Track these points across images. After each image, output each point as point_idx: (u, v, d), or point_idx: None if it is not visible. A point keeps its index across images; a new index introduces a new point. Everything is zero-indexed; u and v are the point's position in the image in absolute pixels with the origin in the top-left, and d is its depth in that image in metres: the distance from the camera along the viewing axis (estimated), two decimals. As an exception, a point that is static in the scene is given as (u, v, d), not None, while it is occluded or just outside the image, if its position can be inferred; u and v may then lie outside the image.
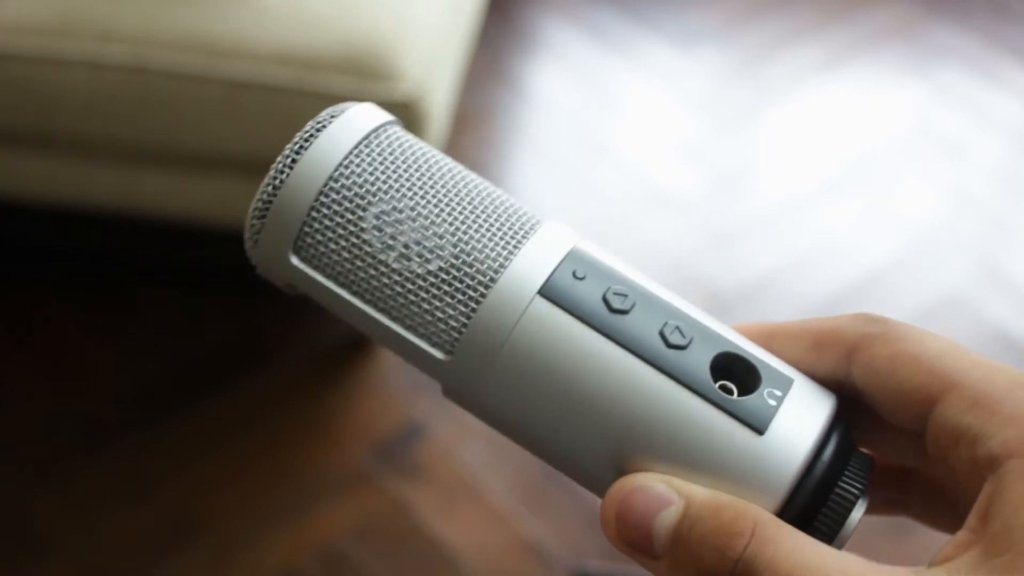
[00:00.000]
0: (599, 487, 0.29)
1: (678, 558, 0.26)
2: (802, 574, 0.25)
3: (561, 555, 1.32)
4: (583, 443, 0.29)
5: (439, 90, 1.31)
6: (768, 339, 0.31)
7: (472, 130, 1.81)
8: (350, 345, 1.50)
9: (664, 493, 0.27)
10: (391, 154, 0.31)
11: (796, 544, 0.26)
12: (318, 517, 1.34)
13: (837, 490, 0.28)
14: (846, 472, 0.28)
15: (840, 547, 0.28)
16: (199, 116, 1.25)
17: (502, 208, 0.31)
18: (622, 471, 0.28)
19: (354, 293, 0.30)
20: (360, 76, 1.21)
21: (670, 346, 0.28)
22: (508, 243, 0.30)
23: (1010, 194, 1.77)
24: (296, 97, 1.22)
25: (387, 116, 0.33)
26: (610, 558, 1.32)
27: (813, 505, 0.28)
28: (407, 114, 1.23)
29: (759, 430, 0.28)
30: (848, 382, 0.30)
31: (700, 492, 0.27)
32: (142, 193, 1.35)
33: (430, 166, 0.31)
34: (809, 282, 1.63)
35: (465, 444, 1.41)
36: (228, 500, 1.36)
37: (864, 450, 0.30)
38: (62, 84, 1.24)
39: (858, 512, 0.28)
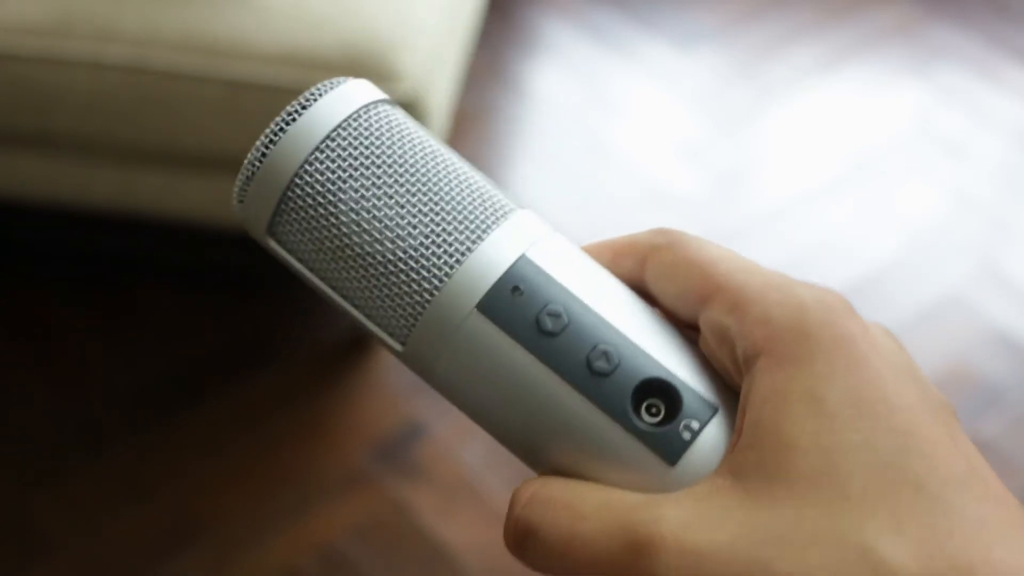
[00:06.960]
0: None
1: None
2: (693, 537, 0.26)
3: (561, 555, 1.32)
4: (514, 440, 0.31)
5: (439, 90, 1.31)
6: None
7: (472, 130, 1.81)
8: (350, 345, 1.50)
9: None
10: (367, 141, 0.32)
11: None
12: (318, 517, 1.34)
13: None
14: None
15: None
16: (199, 116, 1.25)
17: (464, 204, 0.31)
18: (547, 467, 0.30)
19: (322, 279, 0.32)
20: (360, 76, 1.21)
21: (594, 372, 0.29)
22: (460, 245, 0.30)
23: (1010, 194, 1.77)
24: (296, 97, 1.22)
25: (375, 95, 0.33)
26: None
27: None
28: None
29: (671, 461, 0.28)
30: (645, 289, 0.31)
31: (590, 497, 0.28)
32: (142, 193, 1.35)
33: (405, 155, 0.32)
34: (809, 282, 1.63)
35: (465, 444, 1.40)
36: (228, 500, 1.36)
37: None
38: (62, 84, 1.24)
39: None
